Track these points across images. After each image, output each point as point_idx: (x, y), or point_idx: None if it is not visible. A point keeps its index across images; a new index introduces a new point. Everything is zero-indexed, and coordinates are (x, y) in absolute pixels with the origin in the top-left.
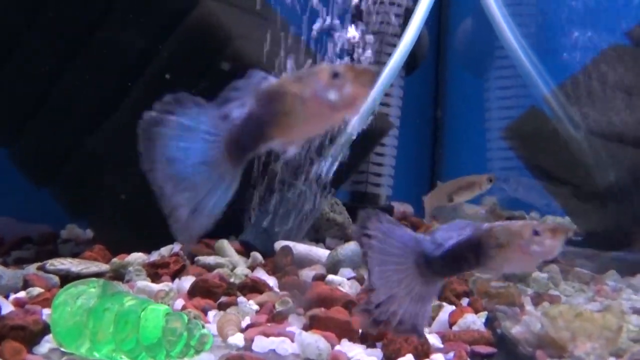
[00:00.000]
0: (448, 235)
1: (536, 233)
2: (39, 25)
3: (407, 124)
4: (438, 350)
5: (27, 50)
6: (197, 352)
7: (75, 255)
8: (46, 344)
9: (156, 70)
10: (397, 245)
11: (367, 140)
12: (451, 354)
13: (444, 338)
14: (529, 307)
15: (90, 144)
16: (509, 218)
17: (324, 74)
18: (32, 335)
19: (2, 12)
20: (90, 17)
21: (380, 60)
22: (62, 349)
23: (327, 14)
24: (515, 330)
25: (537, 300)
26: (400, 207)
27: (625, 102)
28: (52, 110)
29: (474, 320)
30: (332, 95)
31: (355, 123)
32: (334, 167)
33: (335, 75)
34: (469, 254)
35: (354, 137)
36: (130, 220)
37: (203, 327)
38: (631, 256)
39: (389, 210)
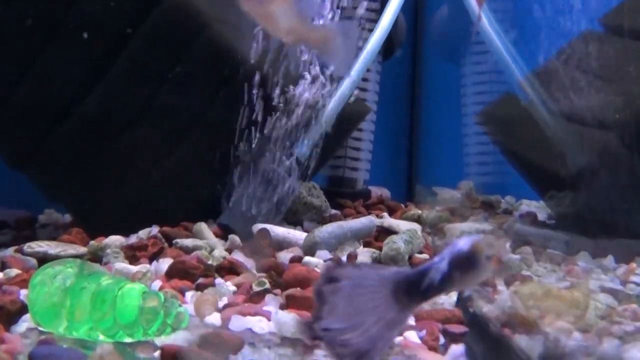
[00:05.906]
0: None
1: None
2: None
3: (384, 108)
4: (411, 328)
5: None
6: (174, 329)
7: (53, 239)
8: (24, 324)
9: (131, 55)
10: (373, 277)
11: (345, 125)
12: (424, 332)
13: (417, 317)
14: (501, 287)
15: (67, 126)
16: (485, 202)
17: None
18: (9, 314)
19: None
20: None
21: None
22: (40, 328)
23: None
24: (487, 309)
25: (509, 280)
26: (377, 191)
27: (596, 86)
28: (28, 92)
29: (445, 300)
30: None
31: (330, 108)
32: (311, 151)
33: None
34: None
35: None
36: (109, 202)
37: (179, 305)
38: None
39: (367, 194)
